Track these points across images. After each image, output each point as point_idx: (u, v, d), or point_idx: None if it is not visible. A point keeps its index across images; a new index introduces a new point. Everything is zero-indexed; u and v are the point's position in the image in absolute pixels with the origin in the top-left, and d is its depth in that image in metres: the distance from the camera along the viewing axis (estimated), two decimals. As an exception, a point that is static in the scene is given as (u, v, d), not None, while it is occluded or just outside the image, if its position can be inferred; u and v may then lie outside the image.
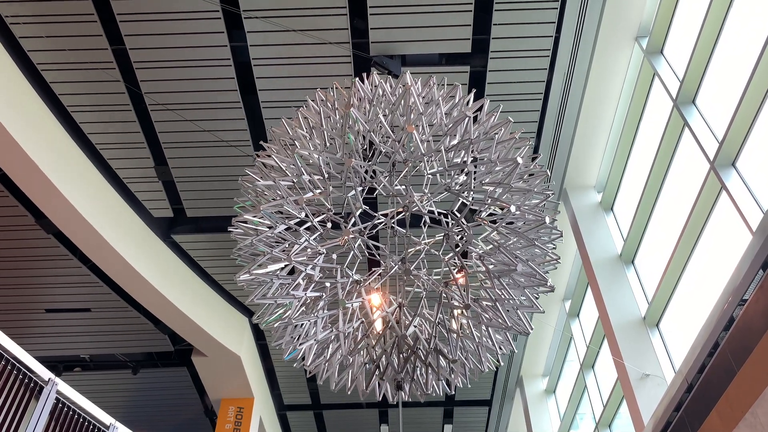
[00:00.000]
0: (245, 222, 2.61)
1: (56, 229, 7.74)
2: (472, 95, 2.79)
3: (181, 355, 11.05)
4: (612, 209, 7.70)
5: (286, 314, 2.64)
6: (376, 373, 2.65)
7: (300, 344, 2.68)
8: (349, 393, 2.95)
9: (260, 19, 6.29)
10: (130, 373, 11.36)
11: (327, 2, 6.28)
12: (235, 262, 9.35)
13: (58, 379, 6.82)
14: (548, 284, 2.70)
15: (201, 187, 8.24)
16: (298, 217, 2.38)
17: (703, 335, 4.41)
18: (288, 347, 2.84)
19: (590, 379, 8.62)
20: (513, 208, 2.49)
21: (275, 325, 2.73)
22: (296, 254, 2.36)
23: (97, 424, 7.37)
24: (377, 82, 2.51)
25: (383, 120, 2.37)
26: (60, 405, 6.86)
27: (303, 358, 2.81)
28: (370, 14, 6.37)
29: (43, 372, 6.64)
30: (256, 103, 7.23)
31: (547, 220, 2.68)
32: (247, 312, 10.42)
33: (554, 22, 6.52)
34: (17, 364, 6.35)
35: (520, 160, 2.53)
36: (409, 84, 2.43)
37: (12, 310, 9.83)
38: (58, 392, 6.78)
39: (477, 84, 7.10)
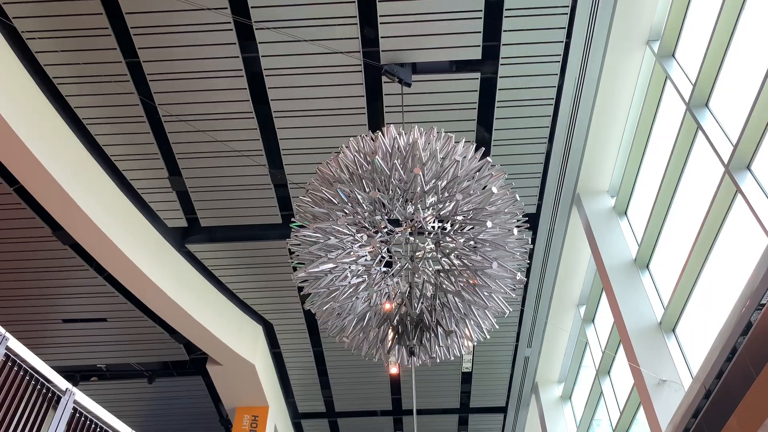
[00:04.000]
0: (304, 235, 3.63)
1: (73, 240, 7.83)
2: (462, 143, 3.66)
3: (196, 364, 11.11)
4: (626, 214, 7.65)
5: (329, 297, 3.63)
6: (395, 337, 3.72)
7: (344, 319, 3.76)
8: (375, 360, 4.01)
9: (271, 29, 6.35)
10: (145, 383, 11.44)
11: (337, 12, 6.32)
12: (250, 271, 9.41)
13: (75, 389, 6.89)
14: (517, 277, 3.64)
15: (214, 197, 8.30)
16: (345, 233, 3.44)
17: (721, 340, 4.36)
18: (333, 325, 3.85)
19: (606, 385, 8.55)
20: (489, 224, 3.41)
21: (324, 308, 3.70)
22: (341, 258, 3.46)
23: (114, 434, 7.43)
24: (395, 136, 3.53)
25: (398, 167, 3.41)
26: (77, 415, 6.92)
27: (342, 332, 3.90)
28: (380, 23, 6.40)
29: (60, 382, 6.71)
30: (268, 113, 7.29)
31: (515, 231, 3.57)
32: (262, 321, 10.46)
33: (565, 28, 6.52)
34: (35, 374, 6.42)
35: (495, 189, 3.47)
36: (416, 137, 3.50)
37: (30, 321, 9.95)
38: (75, 402, 6.85)
39: (488, 91, 7.10)
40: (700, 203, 5.60)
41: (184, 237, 8.90)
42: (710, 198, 5.31)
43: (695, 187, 5.95)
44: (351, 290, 3.54)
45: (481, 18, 6.39)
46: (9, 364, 6.13)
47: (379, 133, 3.61)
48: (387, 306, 3.82)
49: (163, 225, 8.64)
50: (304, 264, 3.67)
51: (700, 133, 5.62)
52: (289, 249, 3.74)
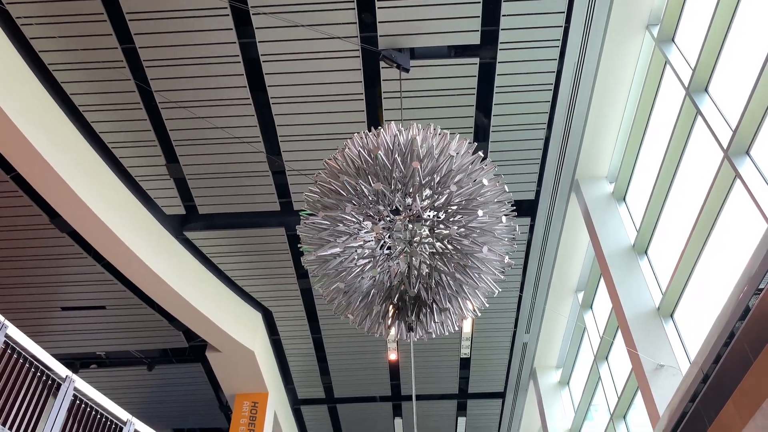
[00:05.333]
0: (314, 222, 3.91)
1: (70, 227, 7.82)
2: (456, 138, 3.90)
3: (195, 352, 11.14)
4: (624, 199, 7.65)
5: (338, 277, 3.94)
6: (395, 313, 4.05)
7: (349, 296, 4.04)
8: (377, 337, 4.31)
9: (268, 15, 6.30)
10: (145, 370, 11.48)
11: (335, -3, 6.27)
12: (249, 258, 9.41)
13: (75, 376, 6.91)
14: (505, 261, 3.92)
15: (212, 184, 8.28)
16: (353, 221, 3.76)
17: (719, 325, 4.37)
18: (339, 303, 4.08)
19: (604, 370, 8.59)
20: (480, 213, 3.69)
21: (332, 288, 3.97)
22: (348, 243, 3.76)
23: (115, 420, 7.46)
24: (395, 133, 3.83)
25: (399, 162, 3.71)
26: (78, 402, 6.94)
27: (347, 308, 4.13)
28: (378, 8, 6.35)
29: (60, 369, 6.73)
30: (265, 99, 7.25)
31: (504, 219, 3.84)
32: (261, 308, 10.48)
33: (564, 12, 6.47)
34: (35, 362, 6.43)
35: (485, 181, 3.73)
36: (415, 134, 3.79)
37: (29, 309, 9.95)
38: (75, 389, 6.87)
39: (487, 76, 7.07)
40: (699, 189, 5.60)
41: (183, 224, 8.89)
42: (709, 183, 5.30)
43: (694, 172, 5.95)
44: (358, 270, 3.88)
45: (479, 2, 6.34)
46: (8, 351, 6.14)
47: (381, 129, 3.94)
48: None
49: (161, 212, 8.63)
50: (311, 249, 3.99)
51: (699, 118, 5.60)
52: (298, 235, 4.02)
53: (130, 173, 8.05)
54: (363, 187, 3.76)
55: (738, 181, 4.92)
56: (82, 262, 9.05)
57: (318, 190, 3.95)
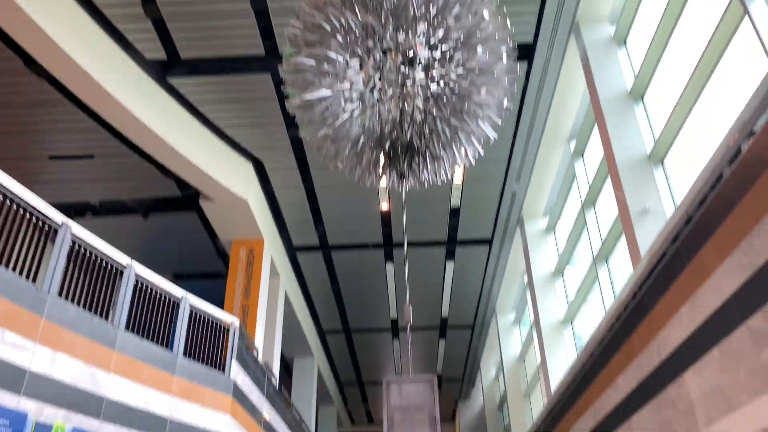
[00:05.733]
0: (297, 62, 3.58)
1: (48, 73, 7.47)
2: None
3: (189, 200, 11.23)
4: (625, 42, 7.33)
5: (325, 123, 3.70)
6: (387, 161, 3.88)
7: (338, 144, 3.84)
8: (368, 186, 4.18)
9: None
10: (141, 218, 11.62)
11: None
12: (236, 105, 9.12)
13: (72, 222, 6.95)
14: (504, 105, 3.72)
15: (192, 26, 7.81)
16: (337, 59, 3.45)
17: (708, 169, 4.36)
18: (327, 151, 3.88)
19: (590, 216, 8.79)
20: (480, 50, 3.42)
21: (320, 135, 3.75)
22: (335, 85, 3.46)
23: (115, 264, 7.66)
24: None
25: None
26: (77, 247, 7.07)
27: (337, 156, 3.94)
28: None
29: (56, 216, 6.76)
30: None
31: (504, 57, 3.57)
32: (252, 158, 10.42)
33: None
34: (29, 209, 6.44)
35: (486, 15, 3.42)
36: None
37: (14, 157, 9.83)
38: (73, 235, 6.95)
39: None
40: (704, 29, 5.31)
41: (165, 71, 8.53)
42: (715, 23, 5.02)
43: (700, 11, 5.62)
44: (346, 116, 3.62)
45: None
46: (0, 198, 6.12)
47: None
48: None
49: (141, 57, 8.22)
50: (295, 93, 3.69)
51: (714, -52, 5.17)
52: (282, 78, 3.69)
53: (103, 13, 7.54)
54: (350, 19, 3.42)
55: (746, 19, 4.65)
56: (65, 110, 8.77)
57: (300, 24, 3.60)
